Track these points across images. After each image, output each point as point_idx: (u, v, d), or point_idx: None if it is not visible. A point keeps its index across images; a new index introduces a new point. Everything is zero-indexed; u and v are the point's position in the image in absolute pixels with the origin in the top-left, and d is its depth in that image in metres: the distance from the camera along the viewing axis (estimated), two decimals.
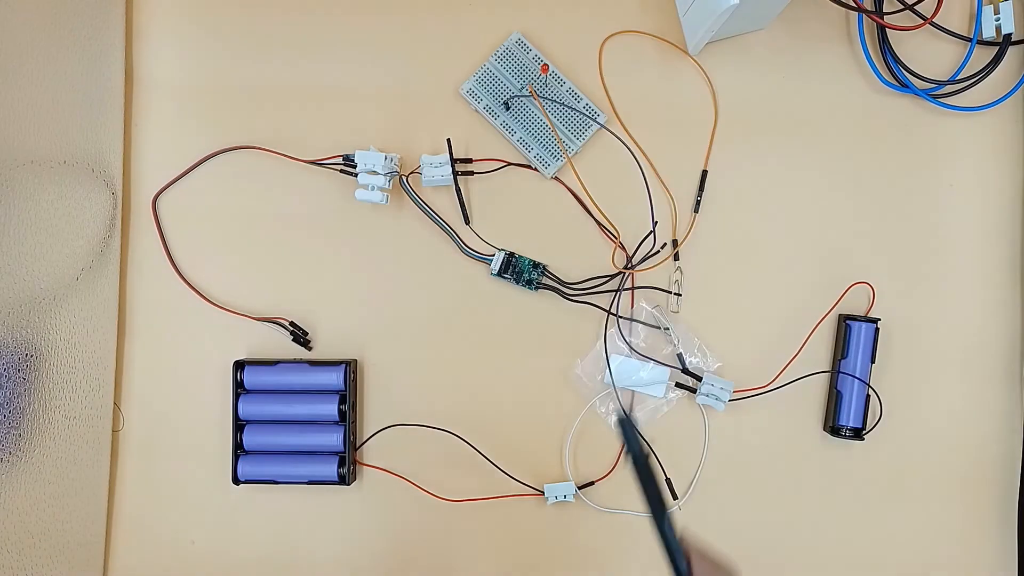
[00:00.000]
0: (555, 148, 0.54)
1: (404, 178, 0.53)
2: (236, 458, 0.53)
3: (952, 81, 0.54)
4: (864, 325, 0.53)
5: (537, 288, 0.53)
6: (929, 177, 0.55)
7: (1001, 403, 0.55)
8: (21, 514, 0.45)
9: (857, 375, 0.53)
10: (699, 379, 0.52)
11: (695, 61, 0.55)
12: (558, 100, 0.53)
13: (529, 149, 0.54)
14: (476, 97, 0.54)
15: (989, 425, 0.55)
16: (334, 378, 0.53)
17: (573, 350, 0.54)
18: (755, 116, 0.55)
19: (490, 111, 0.53)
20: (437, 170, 0.52)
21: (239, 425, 0.53)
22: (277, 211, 0.55)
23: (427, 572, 0.54)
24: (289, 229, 0.55)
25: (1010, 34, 0.54)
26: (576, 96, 0.54)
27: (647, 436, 0.54)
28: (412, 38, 0.55)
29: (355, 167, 0.52)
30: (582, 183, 0.53)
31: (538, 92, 0.53)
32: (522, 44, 0.54)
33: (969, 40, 0.54)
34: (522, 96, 0.53)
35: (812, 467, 0.54)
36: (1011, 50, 0.54)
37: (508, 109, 0.54)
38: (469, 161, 0.54)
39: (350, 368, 0.53)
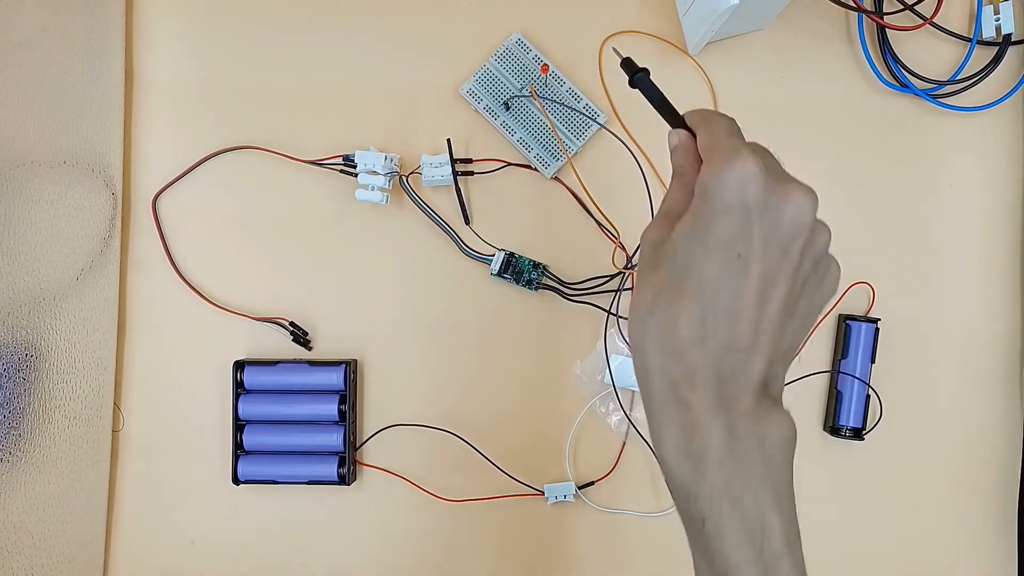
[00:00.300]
0: (555, 148, 0.54)
1: (404, 178, 0.53)
2: (236, 458, 0.53)
3: (952, 81, 0.54)
4: (864, 325, 0.53)
5: (537, 288, 0.53)
6: (929, 177, 0.55)
7: (1001, 403, 0.55)
8: (21, 514, 0.45)
9: (857, 375, 0.53)
10: None
11: (695, 61, 0.55)
12: (558, 100, 0.54)
13: (529, 149, 0.54)
14: (476, 97, 0.54)
15: (989, 425, 0.55)
16: (334, 378, 0.53)
17: (573, 350, 0.54)
18: (755, 116, 0.55)
19: (490, 111, 0.54)
20: (437, 170, 0.52)
21: (239, 425, 0.53)
22: (277, 211, 0.55)
23: (427, 572, 0.54)
24: (289, 229, 0.55)
25: (1010, 34, 0.54)
26: (576, 96, 0.54)
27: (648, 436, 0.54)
28: (412, 38, 0.55)
29: (355, 167, 0.52)
30: (582, 183, 0.53)
31: (538, 92, 0.53)
32: (522, 44, 0.54)
33: (969, 40, 0.54)
34: (522, 96, 0.53)
35: (812, 467, 0.54)
36: (1011, 50, 0.54)
37: (508, 109, 0.54)
38: (469, 161, 0.54)
39: (350, 368, 0.53)
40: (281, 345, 0.54)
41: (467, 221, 0.54)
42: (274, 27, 0.55)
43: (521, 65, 0.54)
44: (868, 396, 0.53)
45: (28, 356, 0.46)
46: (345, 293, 0.55)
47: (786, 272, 0.29)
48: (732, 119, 0.32)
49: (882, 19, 0.53)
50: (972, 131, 0.55)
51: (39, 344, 0.47)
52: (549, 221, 0.54)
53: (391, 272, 0.55)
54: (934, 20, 0.52)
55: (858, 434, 0.53)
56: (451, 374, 0.54)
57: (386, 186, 0.52)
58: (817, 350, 0.54)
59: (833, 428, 0.53)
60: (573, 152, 0.54)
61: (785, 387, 0.54)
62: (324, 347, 0.55)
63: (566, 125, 0.54)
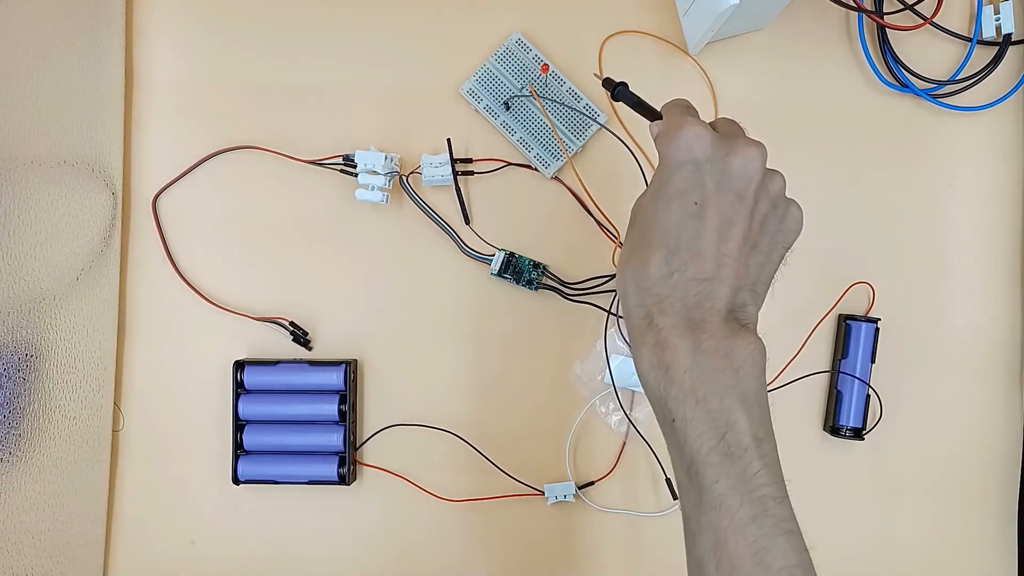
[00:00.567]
0: (555, 148, 0.54)
1: (404, 178, 0.53)
2: (236, 458, 0.53)
3: (952, 81, 0.54)
4: (864, 325, 0.53)
5: (537, 288, 0.53)
6: (929, 177, 0.55)
7: (1001, 403, 0.55)
8: (21, 514, 0.45)
9: (857, 375, 0.53)
10: None
11: (695, 61, 0.55)
12: (558, 100, 0.54)
13: (529, 149, 0.54)
14: (476, 97, 0.54)
15: (989, 425, 0.55)
16: (334, 378, 0.53)
17: (573, 350, 0.54)
18: (755, 116, 0.54)
19: (490, 111, 0.54)
20: (437, 170, 0.52)
21: (239, 425, 0.53)
22: (277, 211, 0.55)
23: (427, 572, 0.54)
24: (289, 229, 0.55)
25: (1010, 34, 0.54)
26: (576, 96, 0.54)
27: (647, 437, 0.54)
28: (412, 38, 0.55)
29: (355, 167, 0.52)
30: (582, 183, 0.53)
31: (538, 92, 0.53)
32: (522, 44, 0.54)
33: (969, 40, 0.54)
34: (522, 96, 0.53)
35: (812, 467, 0.54)
36: (1011, 50, 0.54)
37: (508, 109, 0.54)
38: (469, 161, 0.54)
39: (350, 368, 0.53)
40: (281, 345, 0.54)
41: (467, 221, 0.54)
42: (274, 27, 0.55)
43: (521, 65, 0.54)
44: (868, 396, 0.53)
45: (28, 356, 0.46)
46: (345, 293, 0.55)
47: (741, 213, 0.33)
48: (687, 102, 0.37)
49: (882, 19, 0.53)
50: (972, 131, 0.55)
51: (39, 344, 0.47)
52: (549, 221, 0.54)
53: (391, 272, 0.55)
54: (934, 20, 0.52)
55: (858, 434, 0.53)
56: (451, 374, 0.54)
57: (386, 186, 0.52)
58: (817, 350, 0.54)
59: (833, 428, 0.53)
60: (573, 152, 0.54)
61: (785, 387, 0.55)
62: (324, 347, 0.55)
63: (566, 125, 0.54)
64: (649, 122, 0.38)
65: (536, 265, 0.53)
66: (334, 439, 0.52)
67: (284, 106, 0.55)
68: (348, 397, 0.53)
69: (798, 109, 0.55)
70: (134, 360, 0.55)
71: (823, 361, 0.55)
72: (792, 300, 0.54)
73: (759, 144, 0.34)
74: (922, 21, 0.52)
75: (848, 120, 0.55)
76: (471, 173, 0.54)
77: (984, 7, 0.54)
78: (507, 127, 0.54)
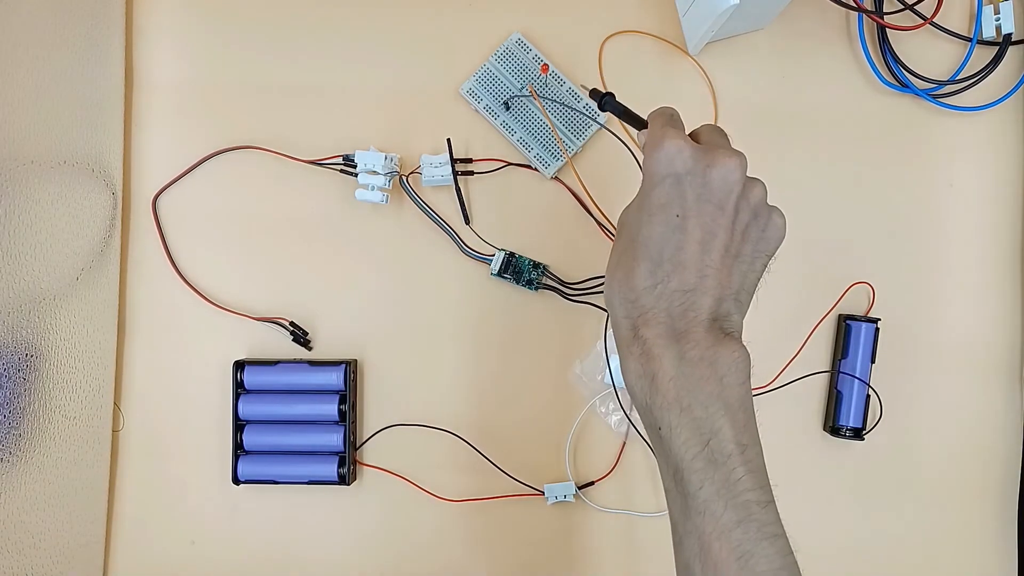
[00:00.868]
0: (555, 148, 0.54)
1: (404, 178, 0.53)
2: (236, 458, 0.53)
3: (952, 81, 0.54)
4: (864, 325, 0.53)
5: (537, 288, 0.53)
6: (929, 177, 0.55)
7: (1001, 403, 0.55)
8: (21, 514, 0.45)
9: (857, 375, 0.53)
10: None
11: (695, 61, 0.55)
12: (558, 100, 0.54)
13: (529, 149, 0.54)
14: (476, 97, 0.54)
15: (989, 425, 0.55)
16: (334, 378, 0.53)
17: (573, 350, 0.54)
18: (755, 116, 0.55)
19: (490, 111, 0.54)
20: (437, 170, 0.52)
21: (239, 425, 0.53)
22: (277, 211, 0.55)
23: (427, 572, 0.54)
24: (289, 229, 0.55)
25: (1010, 34, 0.54)
26: (576, 96, 0.54)
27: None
28: (412, 38, 0.55)
29: (355, 167, 0.52)
30: (582, 183, 0.54)
31: (538, 92, 0.53)
32: (522, 44, 0.54)
33: (969, 40, 0.54)
34: (522, 96, 0.53)
35: (812, 467, 0.54)
36: (1011, 50, 0.54)
37: (508, 109, 0.54)
38: (469, 161, 0.54)
39: (350, 368, 0.53)
40: (281, 345, 0.54)
41: (467, 221, 0.54)
42: (274, 27, 0.55)
43: (521, 65, 0.54)
44: (868, 396, 0.53)
45: (28, 356, 0.46)
46: (345, 293, 0.55)
47: (723, 224, 0.34)
48: (670, 112, 0.37)
49: (882, 19, 0.53)
50: (972, 131, 0.55)
51: (39, 344, 0.47)
52: (549, 221, 0.54)
53: (391, 272, 0.55)
54: (934, 20, 0.52)
55: (858, 434, 0.53)
56: (451, 374, 0.54)
57: (386, 186, 0.52)
58: (817, 350, 0.54)
59: (833, 428, 0.53)
60: (573, 152, 0.54)
61: (785, 387, 0.55)
62: (324, 347, 0.55)
63: (566, 125, 0.54)
64: (637, 131, 0.39)
65: (536, 265, 0.53)
66: (334, 439, 0.52)
67: (284, 106, 0.55)
68: (348, 397, 0.53)
69: (798, 109, 0.55)
70: (134, 360, 0.55)
71: (823, 361, 0.55)
72: (792, 300, 0.54)
73: (738, 154, 0.34)
74: (922, 21, 0.52)
75: (848, 120, 0.55)
76: (471, 173, 0.54)
77: (984, 7, 0.54)
78: (507, 127, 0.54)
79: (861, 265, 0.54)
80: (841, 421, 0.53)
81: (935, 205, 0.55)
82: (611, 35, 0.55)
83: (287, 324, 0.54)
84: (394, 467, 0.54)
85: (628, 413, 0.53)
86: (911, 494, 0.55)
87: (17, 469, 0.45)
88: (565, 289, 0.54)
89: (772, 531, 0.32)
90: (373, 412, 0.54)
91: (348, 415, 0.53)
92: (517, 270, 0.53)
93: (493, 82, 0.54)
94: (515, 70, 0.54)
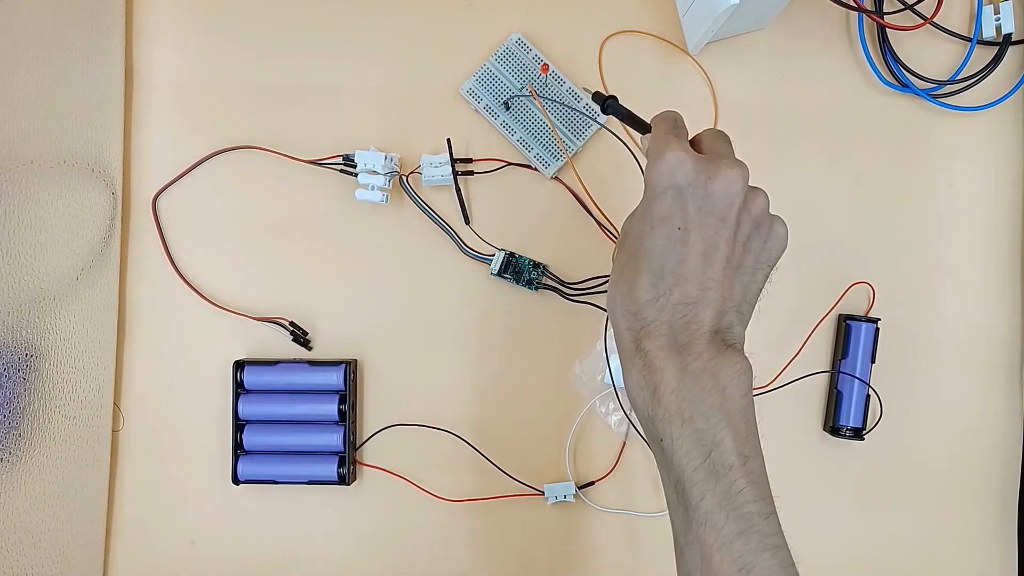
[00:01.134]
0: (555, 148, 0.54)
1: (404, 178, 0.53)
2: (236, 458, 0.53)
3: (952, 81, 0.54)
4: (864, 325, 0.53)
5: (537, 288, 0.53)
6: (929, 177, 0.55)
7: (1001, 403, 0.55)
8: (21, 514, 0.45)
9: (857, 375, 0.53)
10: None
11: (695, 61, 0.55)
12: (558, 100, 0.54)
13: (529, 149, 0.54)
14: (476, 97, 0.54)
15: (989, 425, 0.55)
16: (334, 378, 0.53)
17: (573, 350, 0.54)
18: (755, 116, 0.55)
19: (490, 111, 0.54)
20: (437, 170, 0.52)
21: (239, 425, 0.53)
22: (277, 211, 0.55)
23: (427, 572, 0.54)
24: (289, 229, 0.55)
25: (1010, 34, 0.54)
26: (576, 96, 0.54)
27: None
28: (412, 38, 0.55)
29: (355, 167, 0.52)
30: (582, 183, 0.54)
31: (538, 92, 0.53)
32: (522, 44, 0.54)
33: (969, 40, 0.54)
34: (522, 96, 0.53)
35: (812, 467, 0.54)
36: (1011, 50, 0.54)
37: (508, 109, 0.54)
38: (469, 161, 0.54)
39: (350, 368, 0.53)
40: (281, 345, 0.54)
41: (467, 221, 0.54)
42: (274, 27, 0.55)
43: (521, 65, 0.54)
44: (868, 396, 0.53)
45: (28, 356, 0.46)
46: (345, 293, 0.55)
47: (725, 236, 0.34)
48: (674, 118, 0.37)
49: (882, 19, 0.53)
50: (972, 131, 0.55)
51: (39, 344, 0.47)
52: (549, 221, 0.54)
53: (391, 272, 0.55)
54: (934, 20, 0.52)
55: (858, 434, 0.53)
56: (451, 374, 0.54)
57: (386, 186, 0.52)
58: (817, 350, 0.54)
59: (833, 428, 0.53)
60: (573, 152, 0.54)
61: (785, 387, 0.55)
62: (324, 347, 0.55)
63: (566, 125, 0.54)
64: (640, 136, 0.39)
65: (536, 265, 0.53)
66: (334, 439, 0.52)
67: (284, 106, 0.55)
68: (348, 397, 0.53)
69: (798, 109, 0.55)
70: (134, 360, 0.55)
71: (823, 361, 0.55)
72: (792, 300, 0.54)
73: (740, 165, 0.34)
74: (922, 21, 0.52)
75: (848, 120, 0.55)
76: (471, 173, 0.54)
77: (984, 7, 0.54)
78: (507, 127, 0.54)
79: (861, 265, 0.54)
80: (841, 421, 0.53)
81: (935, 205, 0.55)
82: (611, 35, 0.55)
83: (287, 324, 0.54)
84: (394, 467, 0.54)
85: (628, 413, 0.53)
86: (911, 494, 0.55)
87: (17, 469, 0.45)
88: (565, 289, 0.54)
89: (773, 542, 0.32)
90: (373, 412, 0.54)
91: (348, 415, 0.53)
92: (517, 270, 0.53)
93: (493, 82, 0.54)
94: (515, 70, 0.54)
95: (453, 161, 0.52)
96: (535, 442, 0.54)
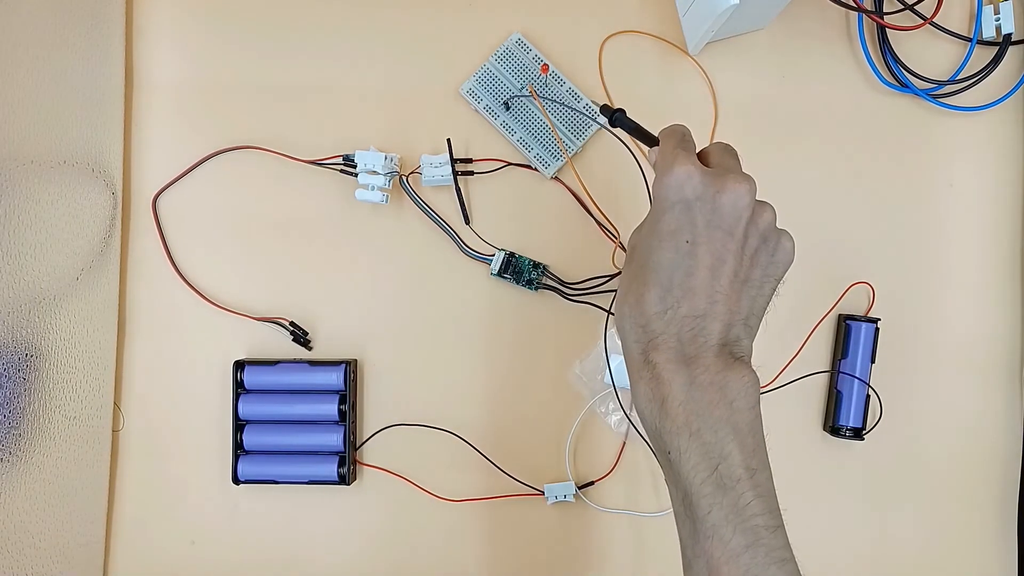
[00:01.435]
0: (555, 148, 0.54)
1: (404, 178, 0.53)
2: (236, 458, 0.53)
3: (952, 81, 0.54)
4: (864, 325, 0.53)
5: (537, 288, 0.53)
6: (929, 177, 0.55)
7: (1001, 403, 0.55)
8: (21, 514, 0.45)
9: (857, 375, 0.53)
10: None
11: (695, 61, 0.55)
12: (558, 100, 0.54)
13: (529, 149, 0.54)
14: (476, 97, 0.54)
15: (989, 425, 0.55)
16: (334, 378, 0.53)
17: (573, 350, 0.54)
18: (755, 116, 0.55)
19: (490, 111, 0.54)
20: (437, 170, 0.52)
21: (239, 425, 0.53)
22: (277, 211, 0.55)
23: (427, 572, 0.54)
24: (289, 229, 0.55)
25: (1010, 34, 0.54)
26: (576, 96, 0.54)
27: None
28: (412, 38, 0.55)
29: (355, 167, 0.52)
30: (582, 183, 0.54)
31: (538, 92, 0.53)
32: (522, 44, 0.54)
33: (969, 40, 0.54)
34: (522, 96, 0.53)
35: (812, 467, 0.54)
36: (1011, 50, 0.54)
37: (508, 109, 0.54)
38: (469, 161, 0.54)
39: (350, 368, 0.53)
40: (281, 345, 0.54)
41: (467, 221, 0.54)
42: (274, 27, 0.55)
43: (521, 65, 0.54)
44: (868, 396, 0.53)
45: (28, 356, 0.46)
46: (345, 293, 0.55)
47: (732, 250, 0.34)
48: (682, 131, 0.37)
49: (882, 19, 0.53)
50: (972, 131, 0.55)
51: (39, 344, 0.47)
52: (549, 221, 0.54)
53: (391, 272, 0.55)
54: (934, 20, 0.52)
55: (858, 434, 0.53)
56: (451, 374, 0.54)
57: (386, 186, 0.52)
58: (817, 350, 0.54)
59: (833, 428, 0.53)
60: (573, 152, 0.54)
61: (785, 387, 0.55)
62: (324, 347, 0.55)
63: (566, 125, 0.54)
64: (647, 148, 0.39)
65: (536, 265, 0.53)
66: (334, 439, 0.52)
67: (284, 106, 0.55)
68: (348, 397, 0.53)
69: (798, 109, 0.55)
70: (134, 360, 0.55)
71: (823, 361, 0.55)
72: (792, 300, 0.54)
73: (748, 179, 0.35)
74: (922, 21, 0.52)
75: (848, 120, 0.55)
76: (471, 173, 0.54)
77: (984, 7, 0.54)
78: (507, 127, 0.54)
79: (861, 265, 0.54)
80: (841, 421, 0.53)
81: (935, 205, 0.55)
82: (611, 35, 0.55)
83: (287, 324, 0.54)
84: (394, 467, 0.54)
85: (628, 413, 0.53)
86: (911, 494, 0.55)
87: (17, 469, 0.45)
88: (565, 289, 0.54)
89: (780, 556, 0.32)
90: (373, 412, 0.54)
91: (348, 415, 0.53)
92: (517, 270, 0.53)
93: (493, 82, 0.54)
94: (515, 70, 0.54)
95: (453, 161, 0.52)
96: (535, 442, 0.54)
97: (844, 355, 0.53)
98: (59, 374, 0.48)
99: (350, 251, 0.55)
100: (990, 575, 0.55)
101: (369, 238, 0.54)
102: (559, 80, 0.54)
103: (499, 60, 0.54)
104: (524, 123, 0.54)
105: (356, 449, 0.54)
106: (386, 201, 0.52)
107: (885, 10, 0.54)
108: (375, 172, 0.51)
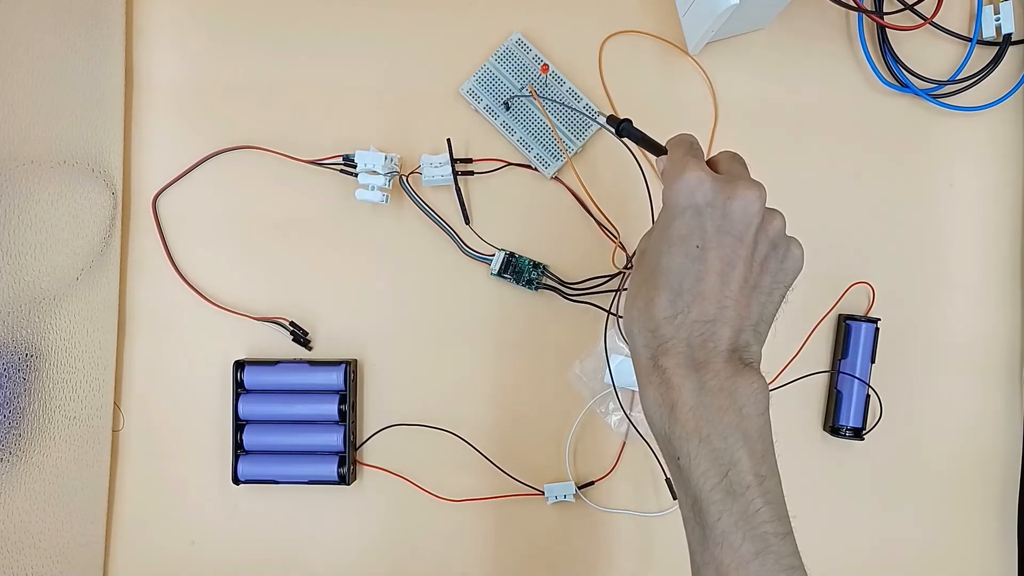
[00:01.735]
0: (555, 148, 0.54)
1: (404, 178, 0.53)
2: (236, 458, 0.53)
3: (952, 81, 0.54)
4: (864, 325, 0.53)
5: (537, 288, 0.53)
6: (929, 177, 0.55)
7: (1001, 403, 0.55)
8: (21, 514, 0.45)
9: (857, 375, 0.53)
10: None
11: (695, 61, 0.55)
12: (558, 100, 0.54)
13: (529, 149, 0.54)
14: (476, 97, 0.54)
15: (989, 425, 0.55)
16: (334, 378, 0.53)
17: (573, 350, 0.54)
18: (755, 116, 0.55)
19: (490, 111, 0.54)
20: (437, 170, 0.52)
21: (239, 425, 0.53)
22: (277, 211, 0.55)
23: (427, 572, 0.54)
24: (289, 229, 0.55)
25: (1010, 34, 0.54)
26: (576, 96, 0.54)
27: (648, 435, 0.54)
28: (412, 38, 0.55)
29: (355, 167, 0.52)
30: (582, 183, 0.54)
31: (538, 92, 0.53)
32: (522, 44, 0.54)
33: (969, 40, 0.54)
34: (522, 96, 0.53)
35: (812, 467, 0.54)
36: (1011, 50, 0.54)
37: (508, 109, 0.54)
38: (469, 161, 0.54)
39: (350, 368, 0.53)
40: (281, 345, 0.54)
41: (467, 221, 0.54)
42: (274, 27, 0.55)
43: (521, 65, 0.54)
44: (868, 396, 0.53)
45: (28, 356, 0.46)
46: (345, 293, 0.55)
47: (742, 255, 0.34)
48: (690, 140, 0.38)
49: (882, 19, 0.53)
50: (972, 131, 0.55)
51: (39, 344, 0.47)
52: (549, 221, 0.54)
53: (391, 272, 0.55)
54: (934, 20, 0.52)
55: (858, 434, 0.53)
56: (451, 374, 0.54)
57: (386, 186, 0.52)
58: (817, 350, 0.54)
59: (833, 428, 0.53)
60: (573, 152, 0.54)
61: (785, 387, 0.55)
62: (324, 347, 0.55)
63: (566, 125, 0.54)
64: (655, 157, 0.39)
65: (536, 265, 0.53)
66: (334, 439, 0.52)
67: (284, 106, 0.55)
68: (348, 397, 0.53)
69: (798, 109, 0.55)
70: (134, 360, 0.55)
71: (823, 361, 0.55)
72: (792, 300, 0.54)
73: (758, 185, 0.35)
74: (922, 21, 0.52)
75: (848, 120, 0.55)
76: (471, 173, 0.54)
77: (984, 7, 0.54)
78: (507, 127, 0.54)
79: (861, 265, 0.54)
80: (841, 421, 0.53)
81: (935, 205, 0.55)
82: (611, 35, 0.55)
83: (287, 324, 0.54)
84: (394, 467, 0.54)
85: (628, 413, 0.53)
86: (911, 494, 0.55)
87: (17, 469, 0.45)
88: (565, 289, 0.54)
89: (789, 563, 0.32)
90: (373, 412, 0.54)
91: (348, 415, 0.53)
92: (517, 270, 0.53)
93: (493, 82, 0.54)
94: (515, 70, 0.54)
95: (453, 161, 0.52)
96: (535, 442, 0.54)
97: (844, 355, 0.53)
98: (59, 374, 0.48)
99: (350, 251, 0.55)
100: (990, 575, 0.55)
101: (369, 238, 0.54)
102: (559, 80, 0.54)
103: (499, 60, 0.54)
104: (524, 123, 0.54)
105: (356, 449, 0.54)
106: (386, 201, 0.52)
107: (885, 10, 0.54)
108: (375, 172, 0.51)
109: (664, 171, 0.37)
